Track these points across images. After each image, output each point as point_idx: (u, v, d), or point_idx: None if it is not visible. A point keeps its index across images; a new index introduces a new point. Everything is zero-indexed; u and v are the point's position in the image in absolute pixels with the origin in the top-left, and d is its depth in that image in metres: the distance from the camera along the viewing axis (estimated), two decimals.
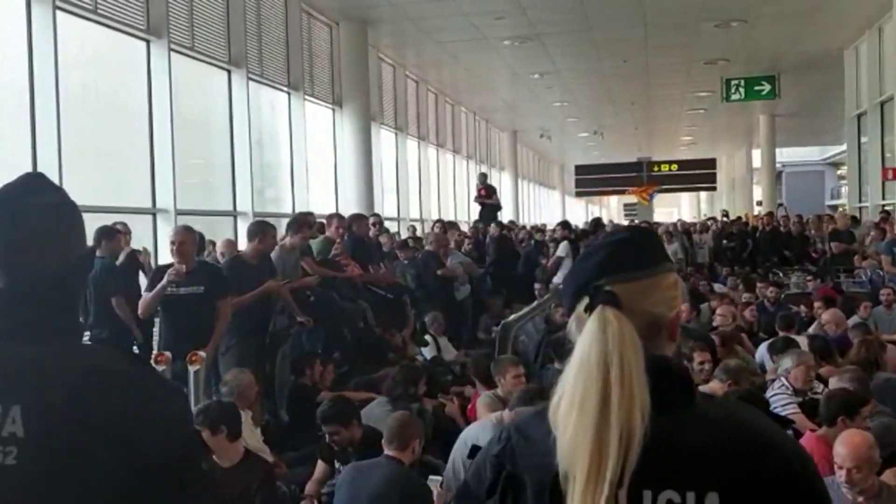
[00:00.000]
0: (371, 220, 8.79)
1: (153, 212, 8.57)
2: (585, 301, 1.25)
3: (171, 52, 8.63)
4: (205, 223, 9.78)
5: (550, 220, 26.46)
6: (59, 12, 7.10)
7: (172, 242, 5.32)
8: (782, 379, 5.22)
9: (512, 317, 6.19)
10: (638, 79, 17.89)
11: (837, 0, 12.23)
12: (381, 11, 12.51)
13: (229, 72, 10.08)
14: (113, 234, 6.67)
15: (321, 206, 11.96)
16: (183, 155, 8.87)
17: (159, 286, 5.16)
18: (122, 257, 6.70)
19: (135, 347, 6.69)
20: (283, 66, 11.54)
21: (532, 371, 6.00)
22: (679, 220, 23.13)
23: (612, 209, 44.70)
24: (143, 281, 6.99)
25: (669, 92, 19.69)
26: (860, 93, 15.15)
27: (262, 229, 5.81)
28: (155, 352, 5.15)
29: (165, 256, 8.12)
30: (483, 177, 15.02)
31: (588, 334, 1.19)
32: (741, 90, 17.47)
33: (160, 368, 4.87)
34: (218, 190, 10.35)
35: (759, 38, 14.32)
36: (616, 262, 1.27)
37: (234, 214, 10.16)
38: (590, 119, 23.07)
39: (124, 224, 7.13)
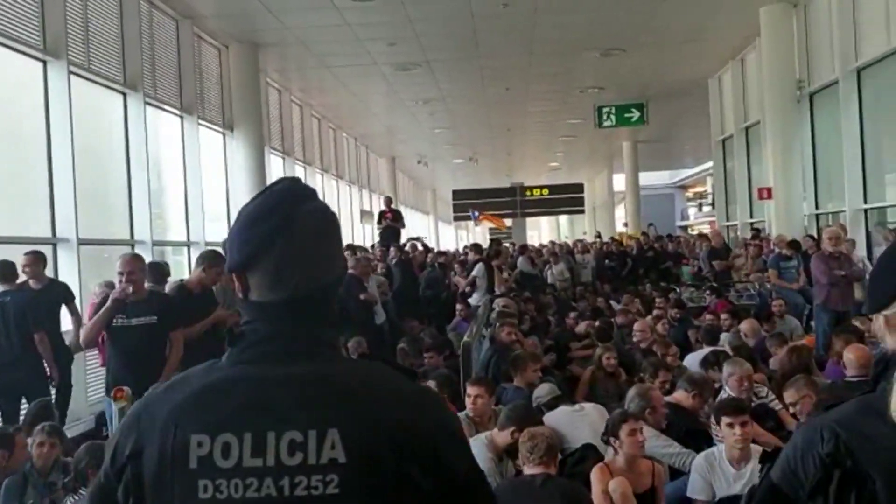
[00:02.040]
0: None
1: (53, 242, 7.99)
2: None
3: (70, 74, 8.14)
4: (104, 253, 9.26)
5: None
6: None
7: (120, 273, 4.99)
8: (726, 388, 5.50)
9: (467, 336, 6.23)
10: (517, 106, 18.48)
11: (707, 31, 13.14)
12: (273, 35, 12.33)
13: (125, 94, 9.62)
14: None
15: (215, 233, 11.58)
16: (79, 181, 8.36)
17: (103, 309, 4.85)
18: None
19: (52, 390, 6.25)
20: (176, 90, 11.13)
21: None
22: (542, 241, 23.93)
23: (477, 233, 45.60)
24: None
25: (544, 119, 20.43)
26: (725, 119, 16.30)
27: (209, 259, 5.55)
28: (113, 387, 4.78)
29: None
30: (389, 200, 15.01)
31: None
32: (612, 117, 18.28)
33: (119, 405, 4.57)
34: (114, 218, 9.78)
35: (632, 67, 15.12)
36: None
37: (131, 243, 9.63)
38: (466, 145, 23.55)
39: (36, 254, 6.59)
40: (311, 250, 1.30)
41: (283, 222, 1.29)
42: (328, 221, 1.35)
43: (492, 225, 27.00)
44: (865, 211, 10.83)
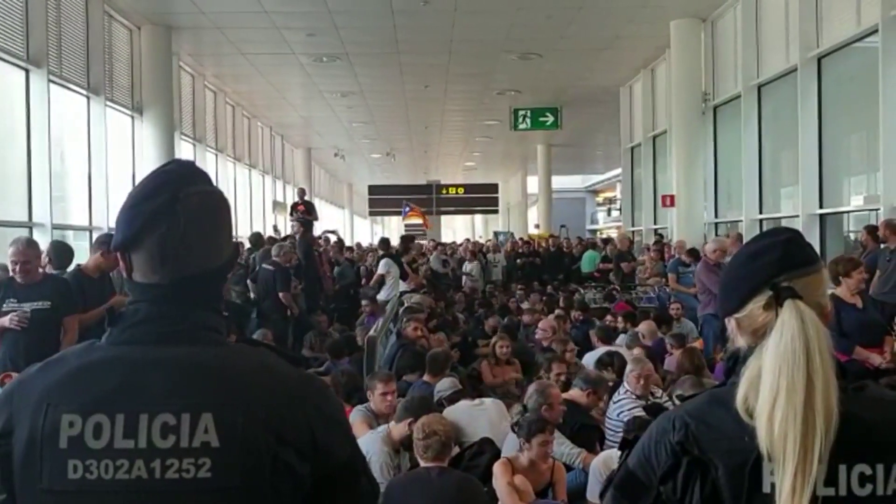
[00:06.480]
0: None
1: None
2: (765, 297, 1.35)
3: None
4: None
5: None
6: None
7: (14, 262, 4.82)
8: (625, 385, 5.70)
9: (373, 331, 6.24)
10: (435, 104, 18.56)
11: (620, 41, 13.50)
12: (188, 18, 12.05)
13: (27, 70, 9.24)
14: None
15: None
16: None
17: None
18: None
19: None
20: (83, 69, 10.75)
21: None
22: (456, 239, 24.16)
23: (392, 229, 45.58)
24: None
25: (462, 118, 20.60)
26: (634, 127, 16.78)
27: (108, 244, 5.40)
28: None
29: None
30: (302, 192, 14.83)
31: (788, 327, 1.28)
32: (528, 120, 18.54)
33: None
34: (11, 199, 9.38)
35: (549, 72, 15.40)
36: (792, 259, 1.39)
37: (29, 226, 9.27)
38: (384, 140, 23.52)
39: None
40: (196, 233, 1.28)
41: (169, 202, 1.27)
42: (216, 206, 1.34)
43: (417, 220, 26.96)
44: (761, 221, 11.35)
